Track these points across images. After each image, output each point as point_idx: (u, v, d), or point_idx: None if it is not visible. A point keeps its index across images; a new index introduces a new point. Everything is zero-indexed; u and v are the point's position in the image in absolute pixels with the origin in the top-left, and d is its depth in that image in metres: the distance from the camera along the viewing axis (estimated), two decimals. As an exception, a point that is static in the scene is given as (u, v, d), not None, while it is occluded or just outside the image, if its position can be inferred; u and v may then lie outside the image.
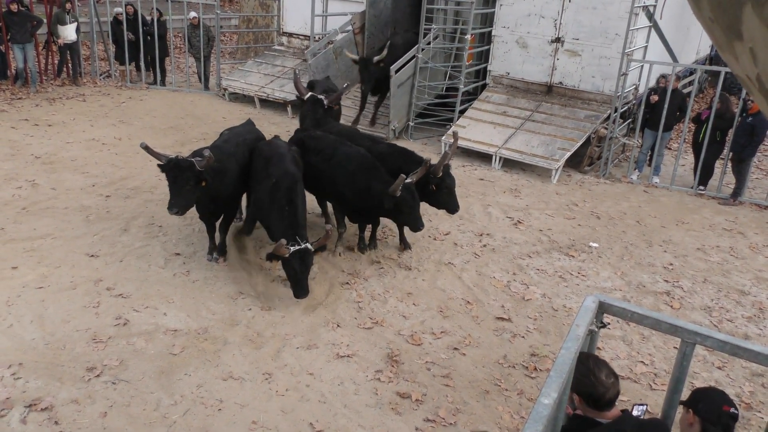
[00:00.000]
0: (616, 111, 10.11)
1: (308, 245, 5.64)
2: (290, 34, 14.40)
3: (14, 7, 11.85)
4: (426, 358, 5.22)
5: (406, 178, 6.13)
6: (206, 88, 13.90)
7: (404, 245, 7.14)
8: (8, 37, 12.25)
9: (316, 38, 12.37)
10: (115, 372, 4.78)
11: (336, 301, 5.97)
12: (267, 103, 12.72)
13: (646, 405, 3.02)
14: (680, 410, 2.84)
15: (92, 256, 6.42)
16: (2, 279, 5.89)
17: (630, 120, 11.14)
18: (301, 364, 5.04)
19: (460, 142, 10.49)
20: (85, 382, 4.64)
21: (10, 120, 10.50)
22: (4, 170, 8.39)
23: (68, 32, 12.84)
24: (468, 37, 11.00)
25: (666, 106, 9.49)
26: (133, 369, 4.83)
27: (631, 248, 7.56)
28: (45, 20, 12.78)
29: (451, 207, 6.77)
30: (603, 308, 2.70)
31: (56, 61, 13.46)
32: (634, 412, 2.95)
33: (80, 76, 13.51)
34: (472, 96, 11.81)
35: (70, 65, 13.40)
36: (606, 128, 10.17)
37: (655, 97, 9.67)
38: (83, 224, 7.11)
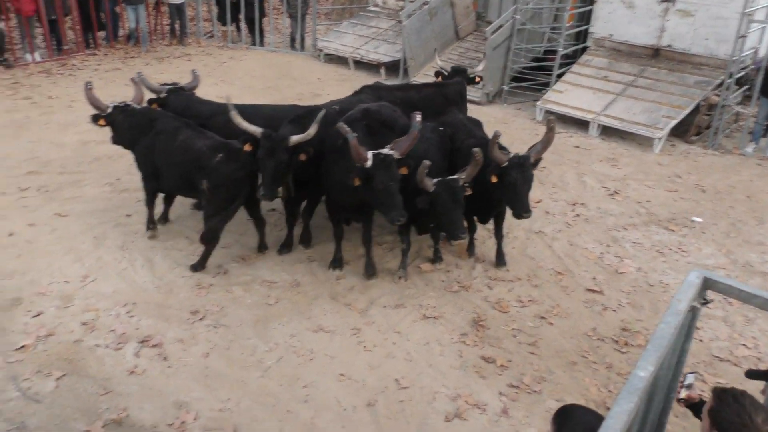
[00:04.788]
0: (731, 77, 9.37)
1: None
2: (386, -5, 14.30)
3: (128, -31, 12.52)
4: (512, 325, 5.21)
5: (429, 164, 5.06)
6: (302, 48, 14.14)
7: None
8: (122, -1, 12.99)
9: (411, -1, 12.22)
10: (216, 317, 5.12)
11: (424, 263, 6.04)
12: (361, 64, 12.78)
13: (695, 373, 2.89)
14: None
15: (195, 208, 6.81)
16: (118, 225, 6.40)
17: (747, 87, 10.30)
18: (389, 322, 5.17)
19: (557, 108, 10.15)
20: (189, 324, 5.01)
21: (124, 77, 11.17)
22: (119, 125, 8.97)
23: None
24: (570, -4, 10.50)
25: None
26: (232, 315, 5.15)
27: (739, 225, 7.09)
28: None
29: (515, 206, 5.38)
30: (707, 284, 2.58)
31: (164, 22, 14.13)
32: (687, 381, 2.84)
33: (186, 36, 14.13)
34: (571, 59, 11.31)
35: (177, 25, 14.04)
36: (718, 95, 9.46)
37: None
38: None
